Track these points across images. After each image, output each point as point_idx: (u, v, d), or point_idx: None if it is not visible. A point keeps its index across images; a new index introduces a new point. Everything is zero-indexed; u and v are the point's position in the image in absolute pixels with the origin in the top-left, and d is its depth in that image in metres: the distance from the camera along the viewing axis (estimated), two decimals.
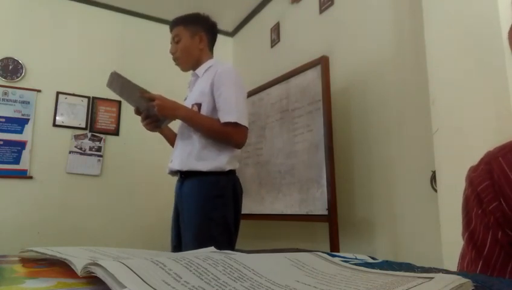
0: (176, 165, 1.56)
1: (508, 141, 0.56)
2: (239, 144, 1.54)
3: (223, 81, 1.53)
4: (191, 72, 1.71)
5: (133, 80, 1.50)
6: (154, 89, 1.52)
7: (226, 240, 1.47)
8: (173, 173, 1.62)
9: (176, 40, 1.66)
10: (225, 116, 1.49)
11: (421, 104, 1.72)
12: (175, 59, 1.67)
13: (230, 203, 1.53)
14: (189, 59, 1.66)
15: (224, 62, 1.68)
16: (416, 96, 1.79)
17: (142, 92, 1.48)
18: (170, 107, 1.49)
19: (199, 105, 1.56)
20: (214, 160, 1.51)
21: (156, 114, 1.49)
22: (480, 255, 0.53)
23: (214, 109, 1.54)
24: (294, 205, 2.24)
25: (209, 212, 1.47)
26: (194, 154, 1.52)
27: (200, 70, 1.66)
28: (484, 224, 0.54)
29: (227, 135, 1.50)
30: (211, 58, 1.71)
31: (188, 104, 1.60)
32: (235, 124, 1.49)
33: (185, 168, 1.53)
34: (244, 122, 1.51)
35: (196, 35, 1.66)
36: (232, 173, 1.56)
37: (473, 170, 0.58)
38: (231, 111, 1.49)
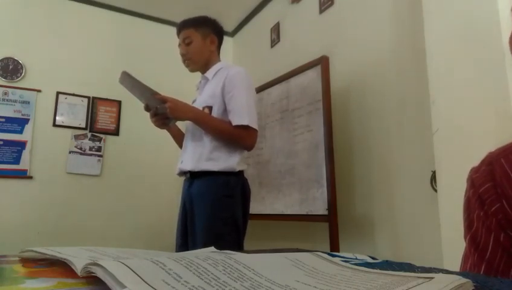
0: (188, 166, 1.57)
1: (509, 142, 0.56)
2: (249, 146, 1.57)
3: (234, 84, 1.55)
4: (199, 74, 1.72)
5: (142, 81, 1.52)
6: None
7: (235, 240, 1.49)
8: (183, 173, 1.63)
9: (186, 42, 1.66)
10: (237, 119, 1.50)
11: (421, 104, 1.72)
12: (185, 60, 1.68)
13: (239, 204, 1.54)
14: (200, 60, 1.67)
15: (235, 65, 1.68)
16: (416, 96, 1.79)
17: (154, 94, 1.49)
18: (182, 110, 1.51)
19: (210, 108, 1.58)
20: (226, 161, 1.52)
21: (165, 113, 1.51)
22: (482, 258, 0.53)
23: (225, 111, 1.55)
24: (294, 205, 2.24)
25: (219, 212, 1.48)
26: (205, 155, 1.54)
27: (209, 73, 1.67)
28: (486, 226, 0.53)
29: (238, 138, 1.52)
30: (219, 60, 1.72)
31: (198, 106, 1.62)
32: (247, 127, 1.50)
33: (196, 169, 1.55)
34: (254, 125, 1.53)
35: (208, 37, 1.67)
36: (241, 173, 1.58)
37: (475, 171, 0.57)
38: (243, 114, 1.50)
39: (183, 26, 1.68)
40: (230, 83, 1.55)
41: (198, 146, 1.56)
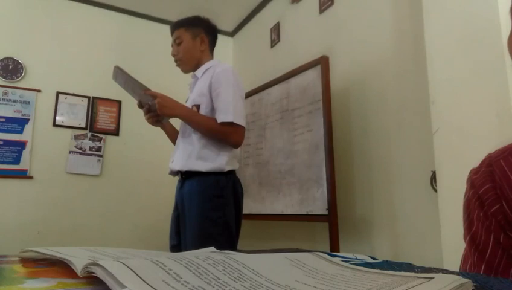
0: (177, 166, 1.57)
1: (509, 144, 0.56)
2: (236, 144, 1.55)
3: (220, 82, 1.54)
4: (191, 74, 1.72)
5: (135, 76, 1.52)
6: (154, 89, 1.53)
7: (227, 240, 1.48)
8: (174, 173, 1.63)
9: (177, 42, 1.67)
10: (222, 116, 1.50)
11: (421, 104, 1.72)
12: (177, 61, 1.68)
13: (231, 203, 1.53)
14: (191, 60, 1.67)
15: (223, 63, 1.68)
16: (416, 96, 1.79)
17: (145, 90, 1.49)
18: (169, 106, 1.51)
19: (198, 106, 1.58)
20: (214, 160, 1.52)
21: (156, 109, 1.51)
22: (482, 259, 0.53)
23: (213, 109, 1.55)
24: (294, 205, 2.24)
25: (209, 213, 1.47)
26: (194, 154, 1.53)
27: (199, 71, 1.67)
28: (486, 227, 0.54)
29: (224, 135, 1.51)
30: (211, 59, 1.72)
31: (188, 105, 1.62)
32: (232, 124, 1.50)
33: (185, 169, 1.54)
34: (240, 122, 1.52)
35: (197, 36, 1.67)
36: (231, 173, 1.57)
37: (474, 173, 0.58)
38: (228, 111, 1.50)
39: (175, 27, 1.69)
40: (216, 80, 1.55)
41: (188, 144, 1.56)
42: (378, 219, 1.98)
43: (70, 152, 3.00)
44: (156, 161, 3.11)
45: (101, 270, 0.27)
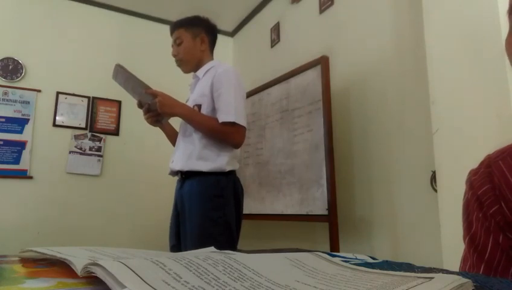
0: (177, 166, 1.57)
1: (507, 145, 0.56)
2: (237, 144, 1.56)
3: (222, 82, 1.54)
4: (192, 74, 1.72)
5: (136, 75, 1.52)
6: (156, 89, 1.53)
7: (227, 240, 1.48)
8: (174, 173, 1.63)
9: (177, 43, 1.67)
10: (223, 116, 1.50)
11: (421, 104, 1.72)
12: (177, 61, 1.69)
13: (231, 203, 1.54)
14: (191, 60, 1.67)
15: (224, 63, 1.68)
16: (416, 96, 1.79)
17: (146, 88, 1.49)
18: (170, 105, 1.51)
19: (199, 106, 1.58)
20: (215, 160, 1.52)
21: (157, 109, 1.51)
22: (481, 260, 0.53)
23: (214, 109, 1.55)
24: (294, 205, 2.24)
25: (209, 213, 1.47)
26: (194, 154, 1.53)
27: (200, 72, 1.67)
28: (485, 228, 0.54)
29: (225, 135, 1.51)
30: (212, 59, 1.72)
31: (189, 105, 1.62)
32: (233, 124, 1.50)
33: (185, 169, 1.54)
34: (242, 122, 1.52)
35: (198, 36, 1.67)
36: (232, 173, 1.57)
37: (473, 174, 0.58)
38: (229, 111, 1.50)
39: (174, 27, 1.69)
40: (218, 81, 1.55)
41: (189, 144, 1.56)
42: (378, 219, 1.98)
43: (70, 152, 3.00)
44: (156, 161, 3.11)
45: (101, 270, 0.27)
